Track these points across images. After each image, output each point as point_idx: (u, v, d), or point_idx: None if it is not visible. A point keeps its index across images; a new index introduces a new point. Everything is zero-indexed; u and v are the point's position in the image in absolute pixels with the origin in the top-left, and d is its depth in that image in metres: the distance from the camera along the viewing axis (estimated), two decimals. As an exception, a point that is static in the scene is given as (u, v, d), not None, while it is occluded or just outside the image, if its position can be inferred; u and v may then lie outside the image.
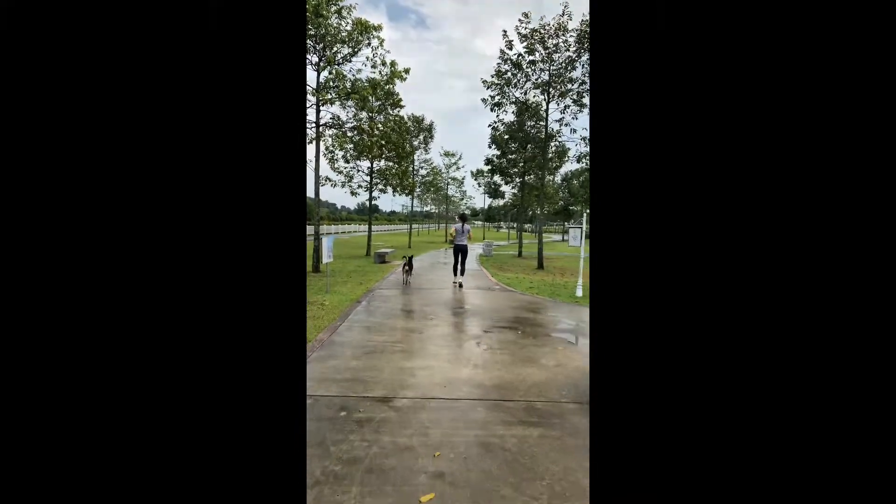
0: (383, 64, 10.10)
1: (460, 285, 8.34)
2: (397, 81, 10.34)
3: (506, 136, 17.31)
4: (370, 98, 10.47)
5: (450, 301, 7.07)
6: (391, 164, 16.87)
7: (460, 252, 8.42)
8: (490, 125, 13.70)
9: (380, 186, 16.52)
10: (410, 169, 19.38)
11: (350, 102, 11.10)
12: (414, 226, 54.65)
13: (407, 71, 10.23)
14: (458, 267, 8.49)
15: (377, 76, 10.16)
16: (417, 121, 23.78)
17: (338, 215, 74.92)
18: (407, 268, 8.73)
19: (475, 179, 39.97)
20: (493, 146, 18.05)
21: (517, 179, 18.68)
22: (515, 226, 50.80)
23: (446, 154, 31.81)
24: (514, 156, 17.42)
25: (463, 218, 8.65)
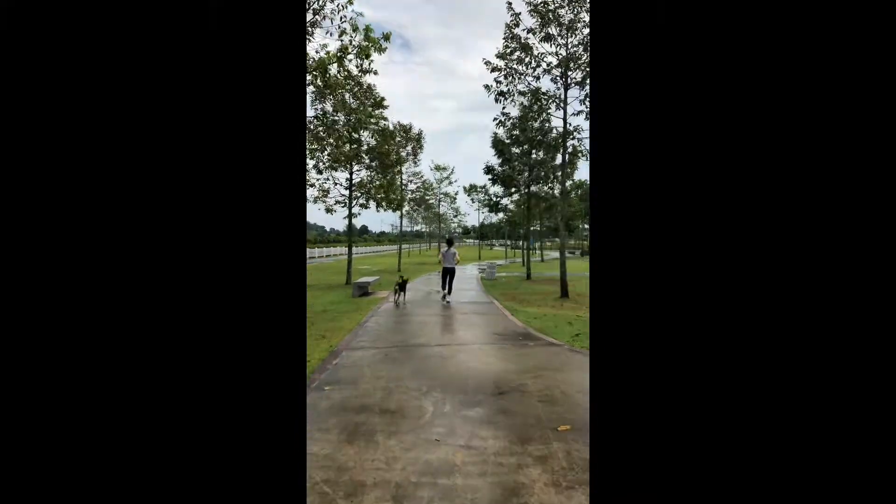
0: (354, 30, 7.44)
1: (447, 301, 9.10)
2: (374, 55, 7.65)
3: (507, 140, 14.76)
4: (333, 73, 7.75)
5: (465, 378, 4.21)
6: (374, 173, 14.19)
7: (448, 274, 9.34)
8: (494, 119, 11.03)
9: (360, 201, 13.76)
10: (398, 182, 16.64)
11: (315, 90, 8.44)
12: (405, 246, 51.75)
13: (387, 38, 7.57)
14: (447, 286, 9.34)
15: (346, 41, 7.43)
16: (405, 129, 21.24)
17: (326, 237, 71.75)
18: (397, 288, 9.02)
19: (468, 195, 37.55)
20: (495, 152, 15.46)
21: (522, 189, 16.06)
22: (509, 243, 48.19)
23: (437, 168, 29.15)
24: (520, 160, 14.82)
25: (450, 242, 9.64)
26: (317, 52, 7.52)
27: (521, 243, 60.11)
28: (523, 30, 10.17)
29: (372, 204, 13.91)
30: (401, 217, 22.36)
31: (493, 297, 10.38)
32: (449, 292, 9.33)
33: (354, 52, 7.34)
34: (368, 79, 9.57)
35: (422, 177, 24.01)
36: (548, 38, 9.97)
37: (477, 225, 49.07)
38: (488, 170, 15.82)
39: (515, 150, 14.80)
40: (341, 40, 7.34)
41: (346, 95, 12.29)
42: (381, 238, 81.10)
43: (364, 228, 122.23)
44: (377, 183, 13.75)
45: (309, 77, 7.69)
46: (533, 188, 15.50)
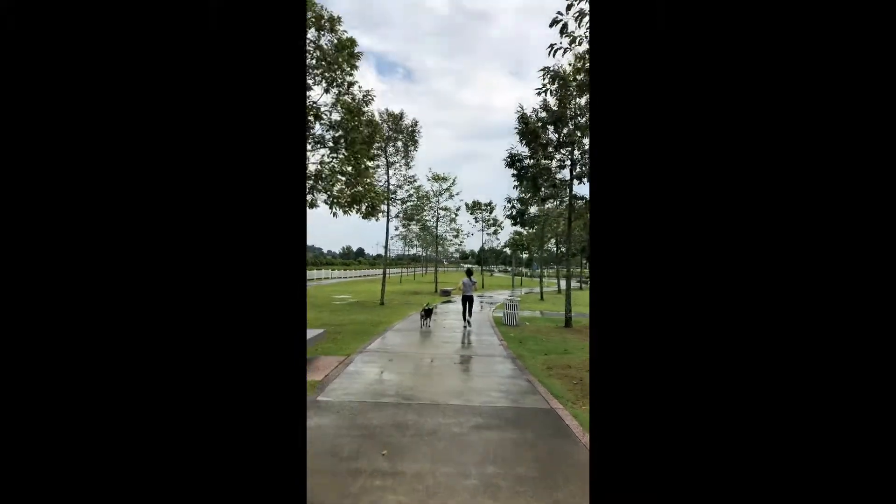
0: None
1: (469, 323, 10.19)
2: None
3: (540, 120, 9.72)
4: None
5: None
6: (335, 157, 9.01)
7: (468, 301, 10.30)
8: (553, 43, 5.81)
9: (309, 195, 8.55)
10: (372, 172, 11.37)
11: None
12: (398, 270, 46.37)
13: None
14: (466, 314, 10.27)
15: None
16: (395, 118, 16.30)
17: (321, 259, 66.10)
18: (424, 313, 9.95)
19: (471, 213, 32.47)
20: (520, 137, 10.33)
21: (562, 192, 10.89)
22: (512, 270, 42.83)
23: (436, 178, 24.00)
24: (565, 150, 9.71)
25: (469, 273, 10.83)
26: None
27: (524, 270, 54.64)
28: None
29: (325, 204, 8.66)
30: (387, 232, 17.11)
31: (538, 384, 5.06)
32: (470, 314, 10.22)
33: None
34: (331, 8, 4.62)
35: (415, 181, 18.77)
36: None
37: (476, 250, 43.94)
38: (511, 161, 10.66)
39: (559, 130, 9.69)
40: None
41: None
42: (375, 261, 75.68)
43: (361, 251, 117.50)
44: (336, 170, 8.55)
45: None
46: (577, 189, 10.34)
